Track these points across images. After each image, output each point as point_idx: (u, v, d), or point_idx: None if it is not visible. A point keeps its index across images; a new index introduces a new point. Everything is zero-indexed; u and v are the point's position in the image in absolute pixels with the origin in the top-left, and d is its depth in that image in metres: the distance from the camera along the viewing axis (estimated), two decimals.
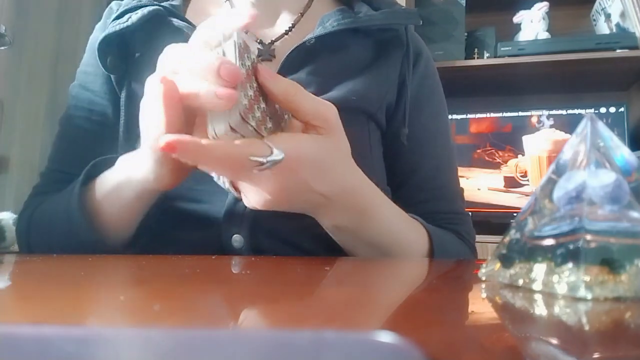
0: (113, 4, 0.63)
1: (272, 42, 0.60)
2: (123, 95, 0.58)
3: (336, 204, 0.42)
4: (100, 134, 0.60)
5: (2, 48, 1.31)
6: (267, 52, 0.59)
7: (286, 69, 0.56)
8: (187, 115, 0.38)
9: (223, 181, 0.42)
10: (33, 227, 0.56)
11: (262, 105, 0.37)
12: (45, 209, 0.56)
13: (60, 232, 0.52)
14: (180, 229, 0.54)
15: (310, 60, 0.57)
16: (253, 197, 0.40)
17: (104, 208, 0.49)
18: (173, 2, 0.60)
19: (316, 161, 0.39)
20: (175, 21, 0.56)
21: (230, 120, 0.35)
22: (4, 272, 0.37)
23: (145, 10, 0.56)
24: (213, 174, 0.42)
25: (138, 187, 0.46)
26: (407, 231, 0.51)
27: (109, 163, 0.50)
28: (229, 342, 0.14)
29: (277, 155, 0.35)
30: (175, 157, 0.35)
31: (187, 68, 0.36)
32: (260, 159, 0.35)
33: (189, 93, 0.35)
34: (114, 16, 0.59)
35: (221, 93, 0.33)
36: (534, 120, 1.66)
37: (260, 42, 0.60)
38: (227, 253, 0.52)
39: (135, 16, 0.56)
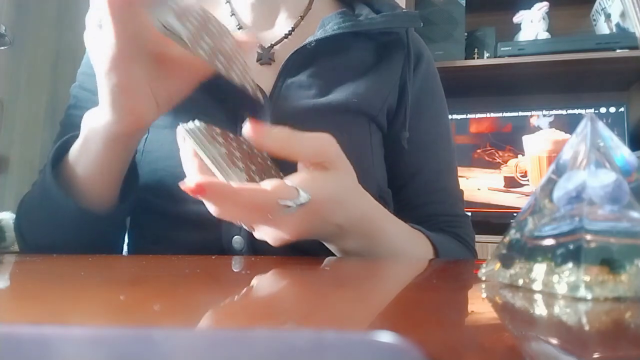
0: None
1: (272, 46, 0.60)
2: None
3: (349, 232, 0.43)
4: None
5: (2, 48, 1.31)
6: (266, 56, 0.59)
7: (287, 72, 0.56)
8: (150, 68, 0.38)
9: None
10: (21, 216, 0.55)
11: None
12: (28, 196, 0.55)
13: (41, 209, 0.51)
14: (181, 230, 0.54)
15: (311, 63, 0.57)
16: (269, 235, 0.40)
17: (78, 170, 0.48)
18: None
19: (336, 198, 0.39)
20: None
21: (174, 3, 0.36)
22: (4, 272, 0.37)
23: None
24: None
25: (104, 133, 0.45)
26: (411, 246, 0.51)
27: None
28: (229, 342, 0.14)
29: (304, 197, 0.36)
30: (132, 93, 0.36)
31: None
32: (289, 203, 0.35)
33: None
34: None
35: None
36: (534, 120, 1.66)
37: (260, 46, 0.60)
38: (227, 254, 0.51)
39: None
